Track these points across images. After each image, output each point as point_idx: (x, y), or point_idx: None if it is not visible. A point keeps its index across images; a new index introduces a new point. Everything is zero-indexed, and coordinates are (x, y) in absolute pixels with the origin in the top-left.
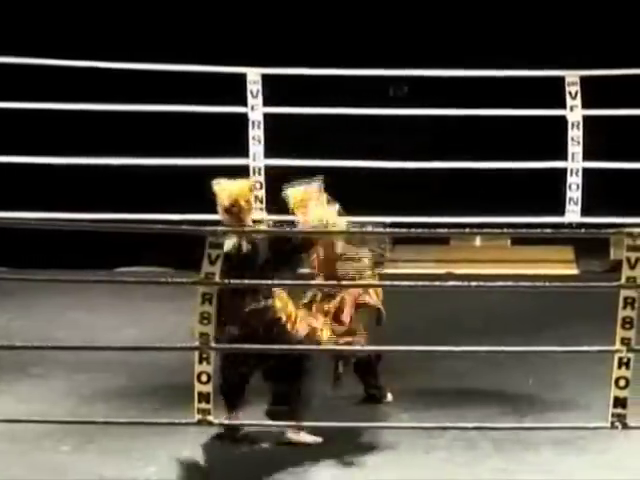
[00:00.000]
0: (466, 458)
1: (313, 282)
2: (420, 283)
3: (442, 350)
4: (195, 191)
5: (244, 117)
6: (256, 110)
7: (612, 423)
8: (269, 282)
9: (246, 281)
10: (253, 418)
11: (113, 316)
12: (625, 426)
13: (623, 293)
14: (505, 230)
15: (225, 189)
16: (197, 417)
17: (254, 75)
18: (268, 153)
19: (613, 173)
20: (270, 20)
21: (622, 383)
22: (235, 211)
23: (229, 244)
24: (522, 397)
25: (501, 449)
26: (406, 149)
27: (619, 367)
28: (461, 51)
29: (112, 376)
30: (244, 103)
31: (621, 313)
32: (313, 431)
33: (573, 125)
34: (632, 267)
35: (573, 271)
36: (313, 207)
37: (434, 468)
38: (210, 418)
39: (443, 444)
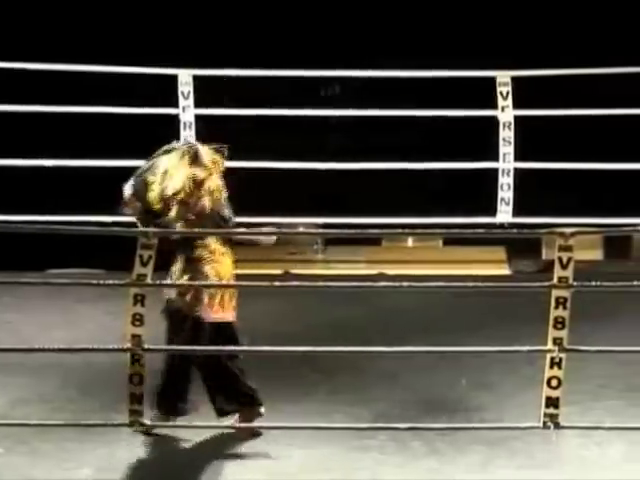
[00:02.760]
0: (399, 459)
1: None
2: (352, 284)
3: (374, 350)
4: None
5: (175, 119)
6: (187, 111)
7: (544, 423)
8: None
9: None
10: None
11: (45, 318)
12: (557, 426)
13: (555, 293)
14: (437, 230)
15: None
16: (129, 419)
17: (185, 76)
18: None
19: (545, 173)
20: (202, 21)
21: (554, 383)
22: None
23: None
24: (455, 397)
25: (434, 450)
26: (337, 150)
27: (551, 367)
28: (392, 52)
29: (45, 378)
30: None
31: (553, 313)
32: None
33: (504, 125)
34: (564, 267)
35: (505, 271)
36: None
37: (366, 469)
38: (142, 420)
39: (376, 445)
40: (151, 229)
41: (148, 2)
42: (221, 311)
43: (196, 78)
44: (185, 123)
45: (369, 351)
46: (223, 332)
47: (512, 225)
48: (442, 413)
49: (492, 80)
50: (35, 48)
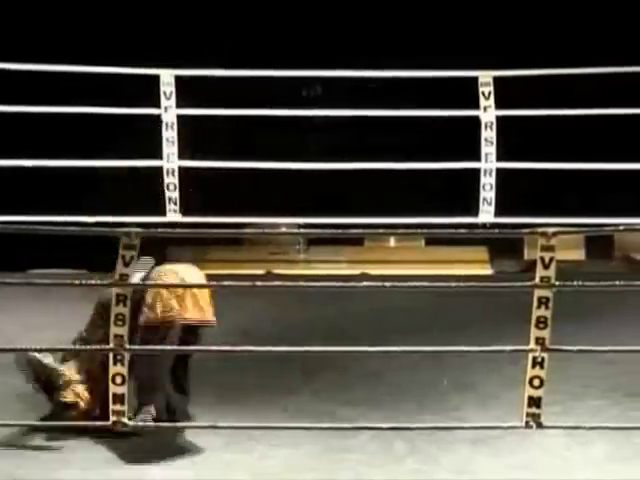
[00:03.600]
0: (382, 459)
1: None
2: (334, 284)
3: (356, 350)
4: (109, 193)
5: (157, 119)
6: (169, 111)
7: (527, 423)
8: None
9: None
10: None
11: (30, 318)
12: (540, 426)
13: (537, 293)
14: (419, 230)
15: None
16: (112, 419)
17: (167, 77)
18: (182, 155)
19: (526, 173)
20: (184, 21)
21: (536, 383)
22: None
23: None
24: (437, 397)
25: (417, 449)
26: (320, 150)
27: (533, 367)
28: (374, 52)
29: (26, 379)
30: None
31: (535, 313)
32: None
33: (486, 125)
34: (546, 267)
35: (487, 271)
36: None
37: (349, 469)
38: (124, 420)
39: (358, 445)
40: (133, 229)
41: (130, 2)
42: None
43: (178, 78)
44: (167, 123)
45: (352, 351)
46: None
47: (494, 225)
48: (425, 413)
49: (474, 80)
50: (16, 48)
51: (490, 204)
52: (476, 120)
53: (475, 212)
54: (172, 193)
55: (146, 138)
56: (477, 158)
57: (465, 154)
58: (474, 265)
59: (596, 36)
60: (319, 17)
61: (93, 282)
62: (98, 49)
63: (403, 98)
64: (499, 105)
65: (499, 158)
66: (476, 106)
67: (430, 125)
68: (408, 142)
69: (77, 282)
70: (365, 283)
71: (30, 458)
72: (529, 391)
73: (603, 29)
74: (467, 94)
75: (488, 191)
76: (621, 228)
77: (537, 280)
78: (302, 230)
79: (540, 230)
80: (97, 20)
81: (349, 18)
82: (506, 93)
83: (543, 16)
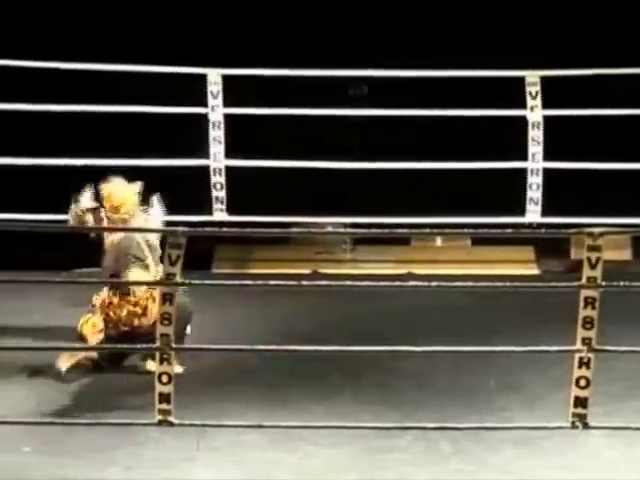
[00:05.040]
0: (426, 459)
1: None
2: (380, 283)
3: (401, 350)
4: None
5: (204, 118)
6: (216, 111)
7: (572, 423)
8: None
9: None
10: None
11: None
12: (586, 426)
13: (584, 293)
14: (466, 230)
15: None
16: (158, 418)
17: (214, 76)
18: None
19: (573, 173)
20: (231, 21)
21: (583, 383)
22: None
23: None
24: (482, 397)
25: (461, 450)
26: (366, 149)
27: (579, 367)
28: (421, 52)
29: (72, 376)
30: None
31: (582, 313)
32: None
33: (533, 125)
34: (593, 267)
35: (534, 271)
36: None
37: (392, 469)
38: (171, 419)
39: (403, 444)
40: (179, 228)
41: (178, 2)
42: None
43: (225, 77)
44: (214, 122)
45: (396, 351)
46: None
47: (541, 225)
48: (470, 413)
49: (521, 80)
50: (70, 47)
51: (537, 204)
52: (523, 120)
53: (522, 212)
54: (219, 192)
55: (193, 137)
56: (524, 158)
57: (512, 154)
58: (520, 265)
59: None
60: (363, 16)
61: (138, 281)
62: (146, 49)
63: (447, 98)
64: (546, 105)
65: (546, 158)
66: (519, 106)
67: (476, 125)
68: (455, 142)
69: (123, 281)
70: (411, 283)
71: (75, 457)
72: (575, 391)
73: None
74: (512, 94)
75: (535, 191)
76: None
77: (584, 280)
78: (348, 230)
79: (587, 230)
80: (147, 20)
81: (397, 17)
82: (553, 93)
83: (590, 15)
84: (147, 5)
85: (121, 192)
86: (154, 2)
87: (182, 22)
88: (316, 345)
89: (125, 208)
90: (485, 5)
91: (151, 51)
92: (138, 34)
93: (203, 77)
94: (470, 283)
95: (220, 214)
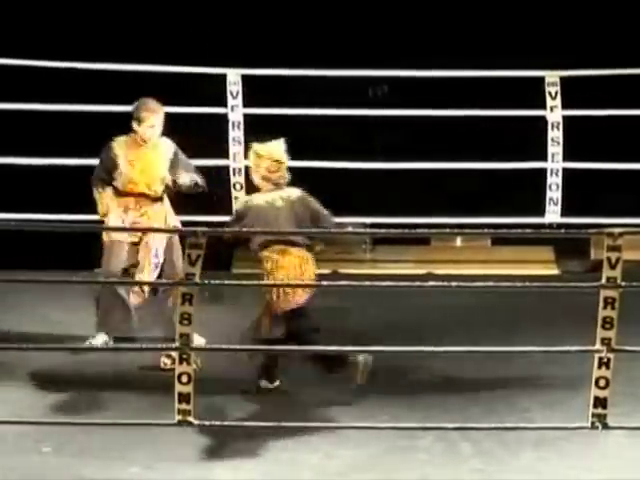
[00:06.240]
0: (446, 459)
1: None
2: (400, 283)
3: (422, 350)
4: (180, 193)
5: (223, 118)
6: (236, 111)
7: (592, 423)
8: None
9: (226, 282)
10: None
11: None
12: (605, 426)
13: (603, 293)
14: (486, 230)
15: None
16: (177, 418)
17: (234, 76)
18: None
19: (593, 173)
20: (251, 21)
21: (602, 383)
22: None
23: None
24: (502, 397)
25: (481, 450)
26: (387, 149)
27: (599, 367)
28: (440, 52)
29: (92, 376)
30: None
31: (601, 313)
32: None
33: (553, 125)
34: (612, 267)
35: (553, 271)
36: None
37: (413, 469)
38: (190, 419)
39: (424, 445)
40: (200, 228)
41: (198, 3)
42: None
43: (245, 77)
44: (234, 122)
45: (416, 351)
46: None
47: (560, 225)
48: (490, 413)
49: (541, 80)
50: (88, 48)
51: (556, 204)
52: (543, 120)
53: (541, 212)
54: (238, 193)
55: (213, 137)
56: (544, 158)
57: (531, 154)
58: (540, 265)
59: None
60: (384, 16)
61: (158, 282)
62: (166, 49)
63: (467, 98)
64: (565, 105)
65: (565, 158)
66: (538, 106)
67: (496, 124)
68: (474, 142)
69: (135, 281)
70: (431, 283)
71: (94, 457)
72: (595, 391)
73: None
74: (530, 94)
75: (554, 191)
76: None
77: (603, 280)
78: (368, 230)
79: (607, 230)
80: (167, 20)
81: (417, 18)
82: (573, 93)
83: (608, 16)
84: (168, 6)
85: (279, 148)
86: (175, 3)
87: (202, 22)
88: (336, 345)
89: (284, 166)
90: (505, 6)
91: (170, 51)
92: (158, 35)
93: (223, 77)
94: (490, 283)
95: None
